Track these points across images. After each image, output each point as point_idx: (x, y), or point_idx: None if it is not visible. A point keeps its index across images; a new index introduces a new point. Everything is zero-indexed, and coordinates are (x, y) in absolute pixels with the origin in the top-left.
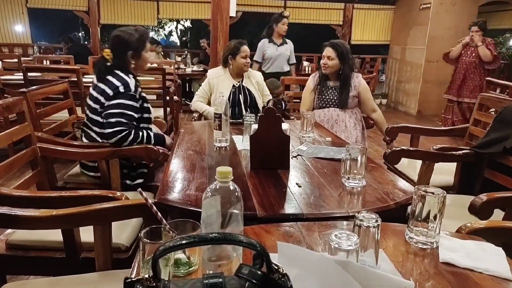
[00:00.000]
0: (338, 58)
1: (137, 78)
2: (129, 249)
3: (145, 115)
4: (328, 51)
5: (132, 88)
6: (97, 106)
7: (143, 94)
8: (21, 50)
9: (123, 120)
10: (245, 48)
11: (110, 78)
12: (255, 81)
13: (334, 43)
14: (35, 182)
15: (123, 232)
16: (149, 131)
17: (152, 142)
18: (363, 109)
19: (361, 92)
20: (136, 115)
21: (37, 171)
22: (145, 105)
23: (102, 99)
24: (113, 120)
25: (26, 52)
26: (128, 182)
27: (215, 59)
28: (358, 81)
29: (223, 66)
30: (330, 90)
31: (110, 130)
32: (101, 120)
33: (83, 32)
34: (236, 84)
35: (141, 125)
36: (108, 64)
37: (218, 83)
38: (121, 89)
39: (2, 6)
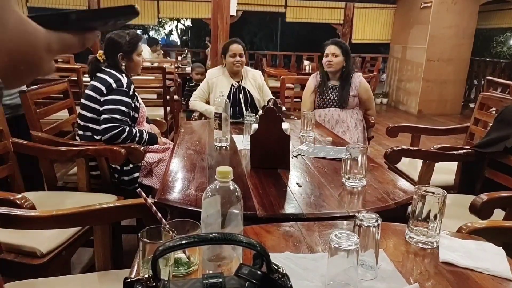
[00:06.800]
0: (342, 55)
1: (131, 78)
2: (45, 255)
3: (135, 114)
4: (332, 49)
5: (125, 84)
6: (87, 103)
7: (136, 94)
8: None
9: (117, 116)
10: (234, 47)
11: (101, 75)
12: (254, 81)
13: (336, 40)
14: (5, 175)
15: (40, 236)
16: (143, 129)
17: (145, 139)
18: (360, 107)
19: (361, 93)
20: (130, 112)
21: (8, 165)
22: (137, 104)
23: (95, 95)
24: (107, 116)
25: None
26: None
27: (215, 58)
28: (359, 81)
29: (222, 65)
30: (331, 90)
31: (104, 126)
32: (89, 115)
33: None
34: (235, 84)
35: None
36: (101, 64)
37: (217, 83)
38: (114, 85)
39: None
